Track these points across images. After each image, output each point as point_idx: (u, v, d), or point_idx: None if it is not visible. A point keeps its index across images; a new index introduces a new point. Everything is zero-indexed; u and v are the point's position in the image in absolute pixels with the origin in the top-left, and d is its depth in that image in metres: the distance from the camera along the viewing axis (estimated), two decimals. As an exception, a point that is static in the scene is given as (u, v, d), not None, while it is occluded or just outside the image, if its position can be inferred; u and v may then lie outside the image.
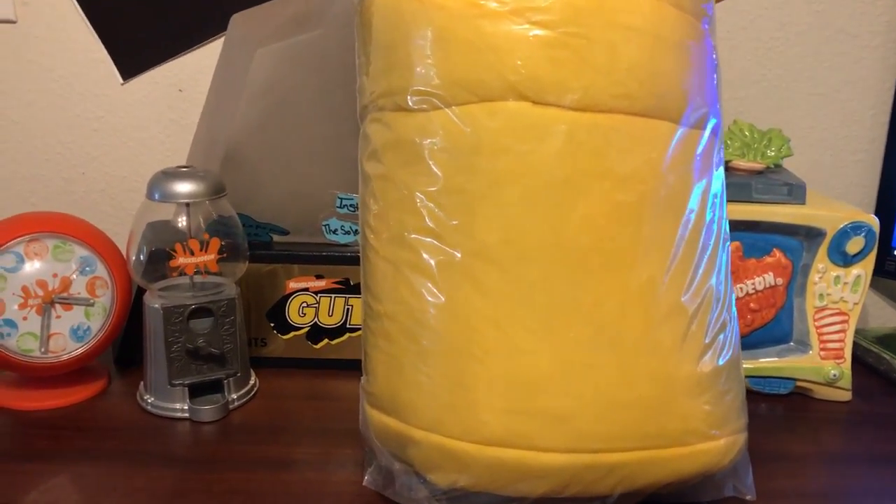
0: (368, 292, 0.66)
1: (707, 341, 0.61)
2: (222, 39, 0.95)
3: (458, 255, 0.59)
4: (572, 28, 0.57)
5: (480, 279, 0.59)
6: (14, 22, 0.99)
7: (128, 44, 1.00)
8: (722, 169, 0.65)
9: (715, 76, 0.64)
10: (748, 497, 0.66)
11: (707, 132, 0.62)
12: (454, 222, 0.59)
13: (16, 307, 0.78)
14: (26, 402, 0.81)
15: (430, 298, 0.60)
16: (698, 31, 0.62)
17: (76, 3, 0.98)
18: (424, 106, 0.60)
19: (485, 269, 0.59)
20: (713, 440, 0.61)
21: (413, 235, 0.61)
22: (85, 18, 0.99)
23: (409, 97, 0.60)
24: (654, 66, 0.59)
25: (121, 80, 1.02)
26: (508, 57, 0.57)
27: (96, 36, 1.00)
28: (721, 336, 0.63)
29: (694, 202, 0.61)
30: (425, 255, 0.61)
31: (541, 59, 0.57)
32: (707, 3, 0.63)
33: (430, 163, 0.60)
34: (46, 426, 0.77)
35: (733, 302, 0.66)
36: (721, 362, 0.62)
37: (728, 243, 0.66)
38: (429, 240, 0.60)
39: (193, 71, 1.01)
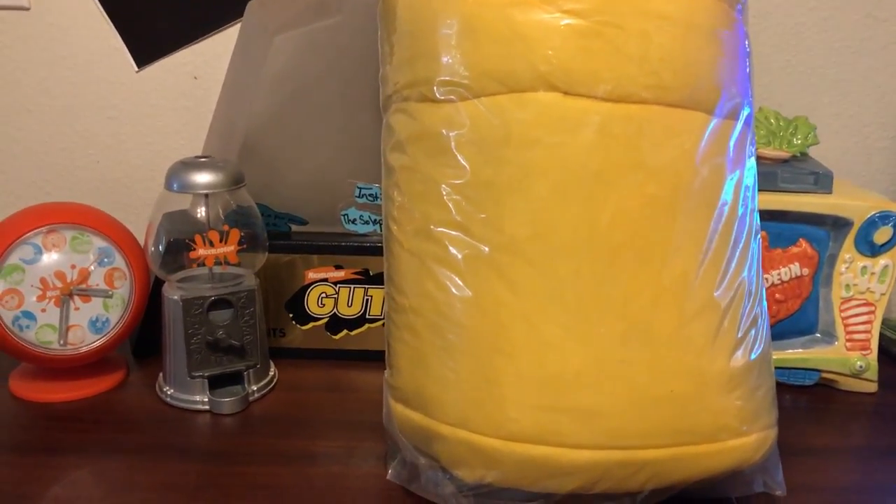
0: (392, 285, 0.65)
1: (739, 336, 0.60)
2: (238, 26, 0.94)
3: (486, 249, 0.58)
4: (605, 17, 0.56)
5: (509, 274, 0.58)
6: (27, 9, 0.98)
7: (142, 31, 0.99)
8: (754, 159, 0.64)
9: (748, 64, 0.63)
10: (778, 493, 0.65)
11: (740, 122, 0.61)
12: (482, 215, 0.58)
13: (34, 299, 0.77)
14: (45, 394, 0.80)
15: (456, 292, 0.59)
16: (731, 18, 0.60)
17: (90, -11, 0.97)
18: (451, 97, 0.59)
19: (514, 264, 0.58)
20: (744, 436, 0.60)
21: (439, 228, 0.60)
22: (99, 5, 0.98)
23: (435, 88, 0.59)
24: (688, 55, 0.58)
25: (135, 68, 1.00)
26: (539, 47, 0.56)
27: (110, 23, 0.98)
28: (753, 331, 0.62)
29: (727, 194, 0.60)
30: (452, 249, 0.60)
31: (573, 49, 0.56)
32: (740, -11, 0.61)
33: (458, 155, 0.59)
34: (66, 418, 0.77)
35: (764, 295, 0.65)
36: (753, 357, 0.61)
37: (759, 235, 0.65)
38: (455, 233, 0.59)
39: (209, 58, 1.00)
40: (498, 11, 0.57)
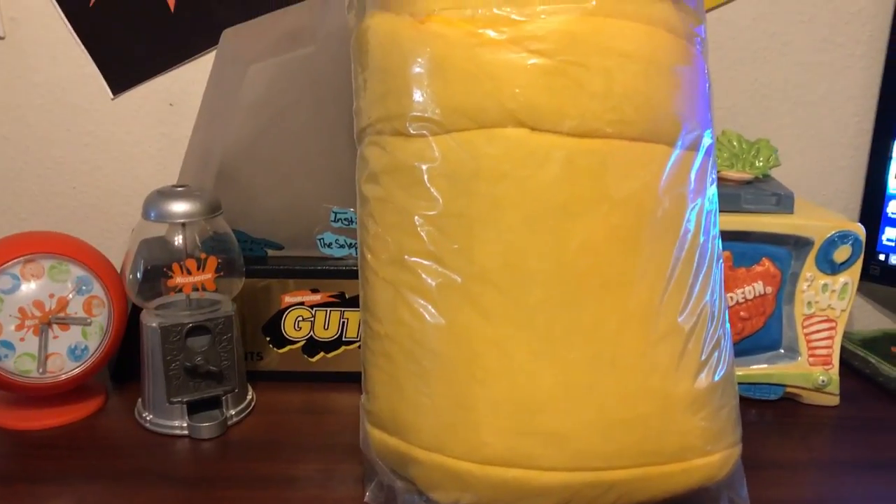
0: (368, 312, 0.67)
1: (703, 358, 0.63)
2: (212, 54, 0.96)
3: (459, 279, 0.60)
4: (569, 56, 0.58)
5: (481, 302, 0.60)
6: (2, 38, 0.99)
7: (118, 58, 1.00)
8: (715, 186, 0.66)
9: (707, 96, 0.65)
10: (743, 508, 0.68)
11: (701, 153, 0.64)
12: (454, 246, 0.60)
13: (13, 328, 0.78)
14: (25, 422, 0.81)
15: (430, 320, 0.61)
16: (691, 54, 0.63)
17: (65, 17, 0.98)
18: (423, 131, 0.60)
19: (485, 292, 0.60)
20: (709, 455, 0.63)
21: (413, 258, 0.62)
22: (74, 33, 0.98)
23: (407, 123, 0.61)
24: (649, 91, 0.60)
25: (111, 95, 1.01)
26: (507, 85, 0.58)
27: (85, 51, 0.99)
28: (716, 353, 0.64)
29: (689, 223, 0.62)
30: (425, 277, 0.61)
31: (538, 87, 0.58)
32: (698, 25, 0.64)
33: (430, 187, 0.61)
34: (46, 446, 0.78)
35: (727, 318, 0.67)
36: (716, 378, 0.63)
37: (721, 260, 0.67)
38: (428, 262, 0.61)
39: (184, 85, 1.01)
40: (467, 51, 0.59)
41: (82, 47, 0.99)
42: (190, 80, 1.00)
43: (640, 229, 0.60)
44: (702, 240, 0.63)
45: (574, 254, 0.59)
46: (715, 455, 0.63)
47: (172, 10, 0.98)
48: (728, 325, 0.67)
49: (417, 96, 0.60)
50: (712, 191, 0.66)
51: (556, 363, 0.59)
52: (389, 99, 0.62)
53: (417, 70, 0.60)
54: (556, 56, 0.58)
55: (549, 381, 0.59)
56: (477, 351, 0.60)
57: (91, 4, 0.97)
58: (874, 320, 1.09)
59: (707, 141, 0.64)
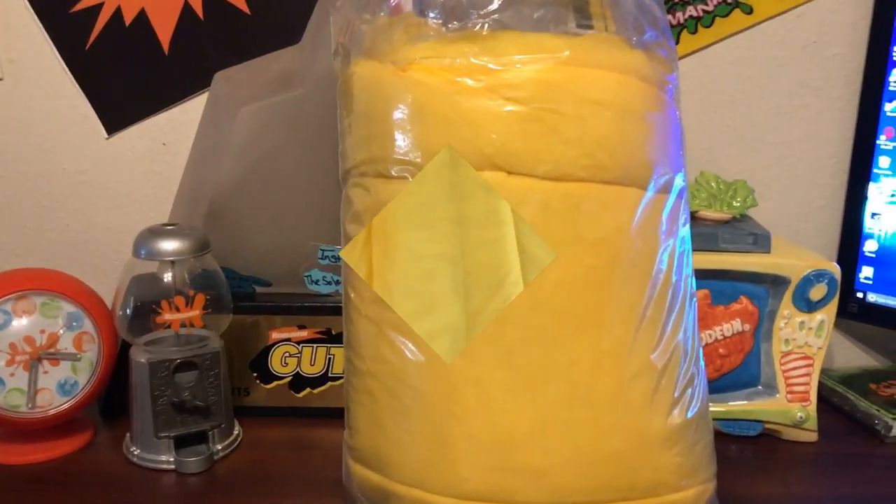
0: (351, 349, 0.69)
1: (676, 396, 0.64)
2: (205, 95, 0.98)
3: (438, 317, 0.62)
4: (544, 104, 0.60)
5: (459, 340, 0.62)
6: (1, 79, 1.01)
7: (112, 99, 1.03)
8: (688, 227, 0.68)
9: (679, 140, 0.67)
10: (717, 543, 0.69)
11: (673, 196, 0.66)
12: (434, 285, 0.62)
13: (3, 363, 0.79)
14: (13, 456, 0.81)
15: (410, 357, 0.63)
16: (662, 101, 0.65)
17: (61, 60, 1.01)
18: (405, 174, 0.63)
19: (463, 331, 0.61)
20: (684, 490, 0.64)
21: (395, 297, 0.64)
22: (70, 75, 1.01)
23: (389, 166, 0.63)
24: (622, 137, 0.62)
25: (105, 135, 1.04)
26: (484, 131, 0.60)
27: (81, 92, 1.02)
28: (689, 390, 0.65)
29: (662, 263, 0.64)
30: (406, 316, 0.63)
31: (515, 133, 0.60)
32: (670, 74, 0.66)
33: (411, 228, 0.63)
34: (34, 480, 0.78)
35: (701, 355, 0.69)
36: (690, 415, 0.65)
37: (695, 299, 0.69)
38: (410, 301, 0.63)
39: (177, 125, 1.03)
40: (446, 98, 0.61)
41: (78, 88, 1.02)
42: (182, 120, 1.03)
43: (614, 269, 0.62)
44: (674, 279, 0.65)
45: (549, 293, 0.61)
46: (689, 490, 0.64)
47: (166, 52, 1.01)
48: (702, 362, 0.69)
49: (399, 140, 0.62)
50: (685, 231, 0.68)
51: (532, 400, 0.61)
52: (373, 142, 0.64)
53: (399, 115, 0.62)
54: (532, 103, 0.60)
55: (526, 418, 0.61)
56: (455, 388, 0.61)
57: (87, 47, 1.00)
58: (853, 357, 1.10)
59: (679, 184, 0.66)
